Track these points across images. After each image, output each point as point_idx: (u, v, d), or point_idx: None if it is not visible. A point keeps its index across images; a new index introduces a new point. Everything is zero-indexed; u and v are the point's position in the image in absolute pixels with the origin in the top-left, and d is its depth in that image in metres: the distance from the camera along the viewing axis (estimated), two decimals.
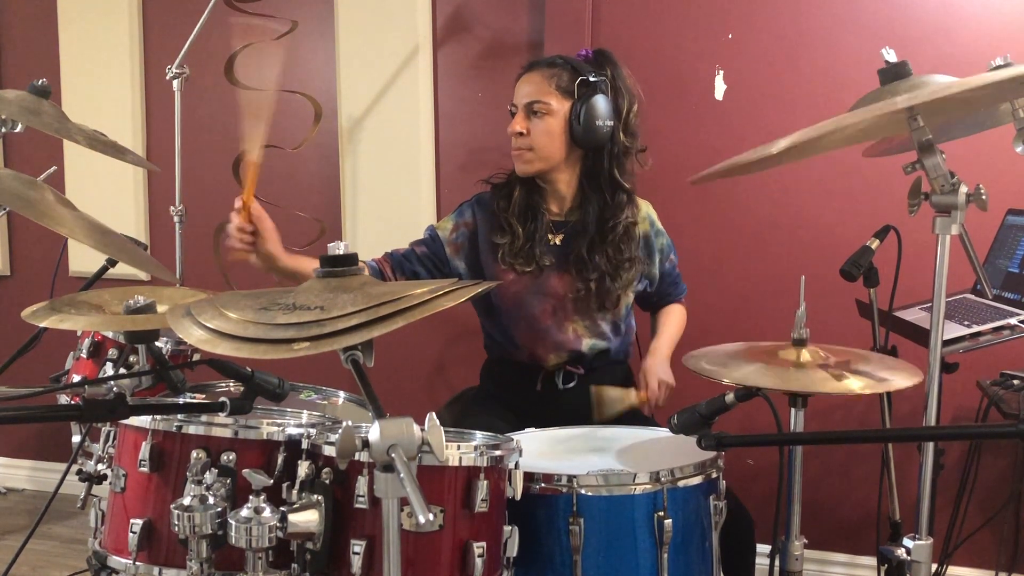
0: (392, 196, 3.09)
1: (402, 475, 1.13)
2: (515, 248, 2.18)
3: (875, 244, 1.94)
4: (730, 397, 1.53)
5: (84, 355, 2.30)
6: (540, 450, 1.87)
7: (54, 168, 2.59)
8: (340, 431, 1.21)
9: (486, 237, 2.22)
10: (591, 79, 2.14)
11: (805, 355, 1.73)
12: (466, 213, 2.27)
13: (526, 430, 1.99)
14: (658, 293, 2.34)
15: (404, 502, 1.15)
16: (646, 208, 2.28)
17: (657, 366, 2.19)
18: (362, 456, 1.42)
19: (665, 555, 1.61)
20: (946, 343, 1.60)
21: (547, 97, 2.14)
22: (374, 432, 1.16)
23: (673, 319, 2.36)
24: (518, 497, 1.58)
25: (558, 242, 2.21)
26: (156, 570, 1.54)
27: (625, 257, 2.19)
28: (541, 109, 2.14)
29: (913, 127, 1.47)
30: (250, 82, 2.84)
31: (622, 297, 2.20)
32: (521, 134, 2.15)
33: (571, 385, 2.23)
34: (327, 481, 1.46)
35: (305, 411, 1.65)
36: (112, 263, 2.46)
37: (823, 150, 1.80)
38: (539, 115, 2.14)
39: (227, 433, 1.55)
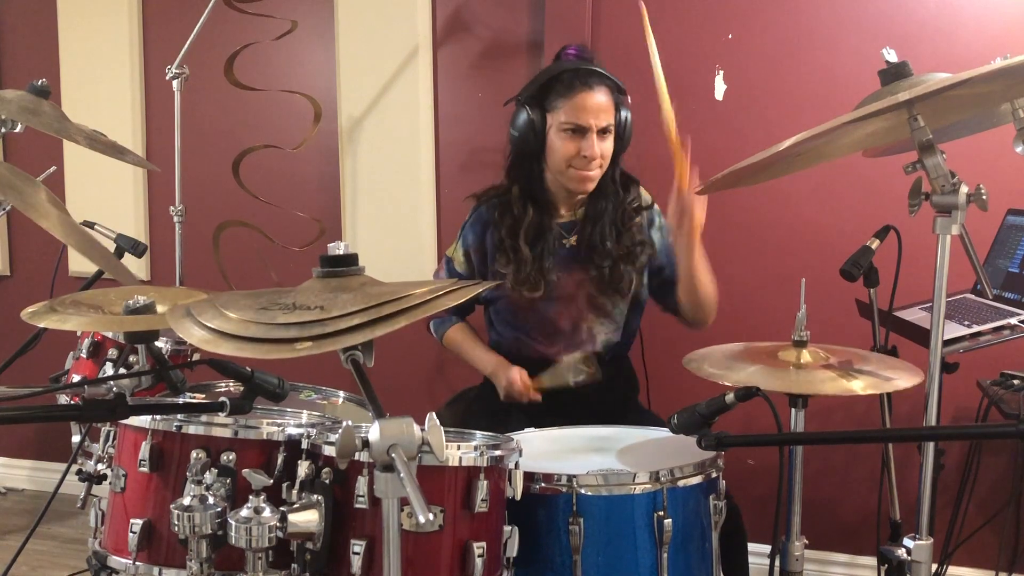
0: (392, 196, 3.09)
1: (402, 475, 1.13)
2: (521, 276, 2.16)
3: (875, 244, 1.94)
4: (730, 397, 1.53)
5: (84, 355, 2.30)
6: (540, 450, 1.87)
7: (54, 168, 2.59)
8: (340, 431, 1.21)
9: (492, 259, 2.22)
10: (624, 90, 2.16)
11: (806, 356, 1.73)
12: (469, 238, 2.27)
13: (526, 430, 1.99)
14: (669, 292, 2.26)
15: (404, 502, 1.15)
16: (648, 197, 2.29)
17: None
18: (362, 456, 1.42)
19: (665, 555, 1.62)
20: (946, 343, 1.60)
21: (612, 119, 2.13)
22: (374, 432, 1.16)
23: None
24: (518, 497, 1.58)
25: (573, 242, 2.21)
26: (156, 570, 1.54)
27: (637, 240, 2.19)
28: (610, 130, 2.12)
29: (914, 127, 1.47)
30: (250, 82, 2.85)
31: (635, 280, 2.19)
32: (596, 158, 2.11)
33: (580, 379, 2.23)
34: (327, 481, 1.46)
35: (305, 411, 1.65)
36: (105, 269, 2.46)
37: (830, 157, 1.80)
38: (606, 135, 2.12)
39: (227, 433, 1.55)
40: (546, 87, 2.14)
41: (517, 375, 2.16)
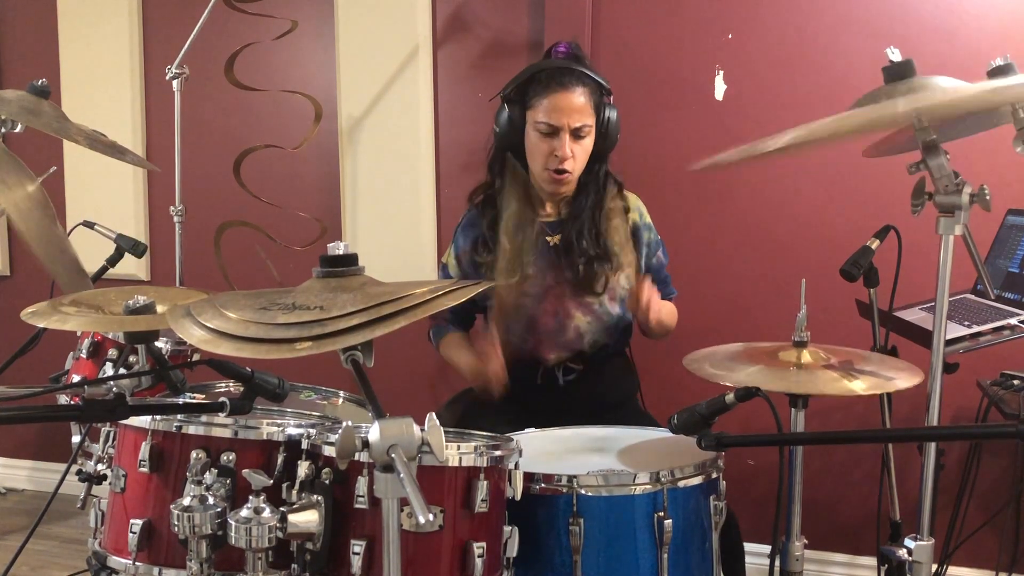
0: (392, 196, 3.09)
1: (402, 475, 1.13)
2: (500, 265, 2.15)
3: (875, 244, 1.94)
4: (730, 397, 1.53)
5: (84, 355, 2.30)
6: (540, 450, 1.87)
7: (54, 168, 2.59)
8: (340, 431, 1.21)
9: (480, 255, 2.23)
10: (608, 90, 2.14)
11: (806, 356, 1.73)
12: (460, 242, 2.27)
13: (526, 430, 1.99)
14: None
15: (404, 502, 1.15)
16: (636, 201, 2.28)
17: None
18: (362, 456, 1.41)
19: (665, 555, 1.62)
20: (946, 343, 1.60)
21: (590, 119, 2.10)
22: (374, 432, 1.16)
23: (664, 306, 2.30)
24: (518, 497, 1.57)
25: (556, 241, 2.21)
26: (156, 570, 1.54)
27: (615, 240, 2.18)
28: (585, 132, 2.10)
29: (917, 127, 1.47)
30: (250, 82, 2.85)
31: (609, 279, 2.19)
32: (568, 159, 2.09)
33: (571, 378, 2.23)
34: (327, 481, 1.46)
35: (305, 411, 1.65)
36: (112, 263, 2.46)
37: (824, 143, 1.79)
38: (582, 137, 2.10)
39: (227, 433, 1.55)
40: (526, 84, 2.14)
41: (492, 374, 2.11)
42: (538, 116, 2.10)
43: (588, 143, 2.12)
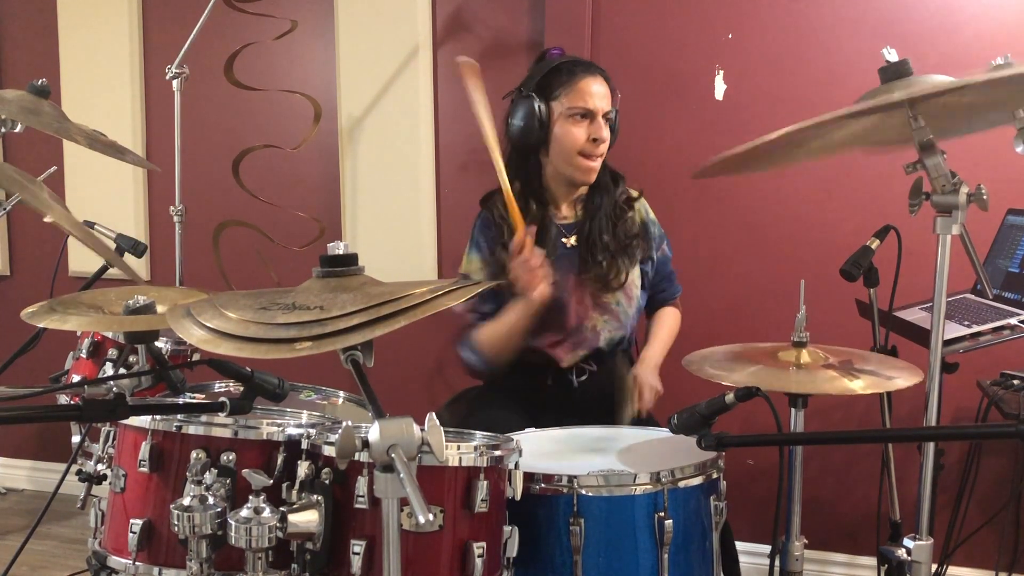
0: (392, 196, 3.09)
1: (402, 475, 1.13)
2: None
3: (875, 244, 1.94)
4: (730, 397, 1.53)
5: (84, 355, 2.30)
6: (540, 450, 1.87)
7: (54, 168, 2.59)
8: (340, 431, 1.21)
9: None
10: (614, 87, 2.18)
11: (806, 356, 1.73)
12: (482, 245, 2.21)
13: (526, 430, 1.99)
14: (652, 285, 2.32)
15: (404, 502, 1.15)
16: (641, 199, 2.31)
17: (648, 374, 2.18)
18: (362, 456, 1.41)
19: (665, 555, 1.61)
20: (946, 343, 1.60)
21: (611, 107, 2.17)
22: (374, 432, 1.16)
23: (666, 325, 2.35)
24: (518, 497, 1.57)
25: (573, 242, 2.21)
26: (156, 570, 1.54)
27: (632, 233, 2.22)
28: (610, 119, 2.16)
29: (914, 127, 1.47)
30: (250, 82, 2.85)
31: (629, 274, 2.21)
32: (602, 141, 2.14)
33: (583, 379, 2.23)
34: (327, 481, 1.46)
35: (305, 411, 1.65)
36: (111, 263, 2.45)
37: (830, 151, 1.79)
38: (608, 122, 2.15)
39: (227, 433, 1.55)
40: (547, 78, 2.16)
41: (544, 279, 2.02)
42: (571, 103, 2.13)
43: (608, 132, 2.16)
